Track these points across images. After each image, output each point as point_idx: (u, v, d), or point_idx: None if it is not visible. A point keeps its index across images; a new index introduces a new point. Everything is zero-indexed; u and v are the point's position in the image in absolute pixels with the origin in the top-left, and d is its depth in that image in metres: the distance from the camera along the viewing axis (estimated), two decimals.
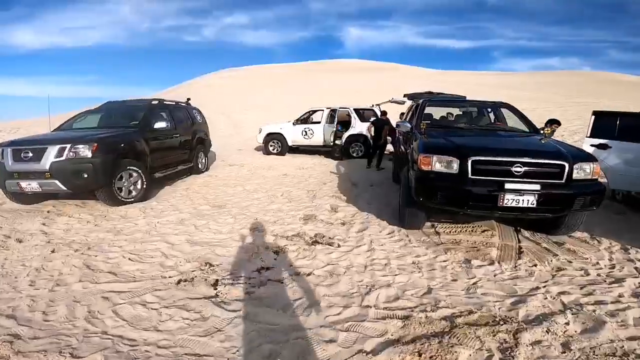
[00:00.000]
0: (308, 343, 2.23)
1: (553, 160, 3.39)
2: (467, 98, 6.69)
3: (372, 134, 8.67)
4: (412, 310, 2.59)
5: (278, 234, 4.08)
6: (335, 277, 3.10)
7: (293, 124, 10.97)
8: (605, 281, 3.06)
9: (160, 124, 6.00)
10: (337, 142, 10.25)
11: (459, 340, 2.24)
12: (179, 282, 3.04)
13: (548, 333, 2.32)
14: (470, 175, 3.36)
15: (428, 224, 4.35)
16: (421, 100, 5.30)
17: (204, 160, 8.12)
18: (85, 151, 4.74)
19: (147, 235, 4.13)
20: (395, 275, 3.15)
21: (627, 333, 2.33)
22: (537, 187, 3.28)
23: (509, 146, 3.76)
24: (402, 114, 10.33)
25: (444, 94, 7.52)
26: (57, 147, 4.74)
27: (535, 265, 3.35)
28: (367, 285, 2.96)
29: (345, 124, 10.50)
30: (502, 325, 2.40)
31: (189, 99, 8.38)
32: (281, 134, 11.01)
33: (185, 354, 2.14)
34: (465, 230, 4.25)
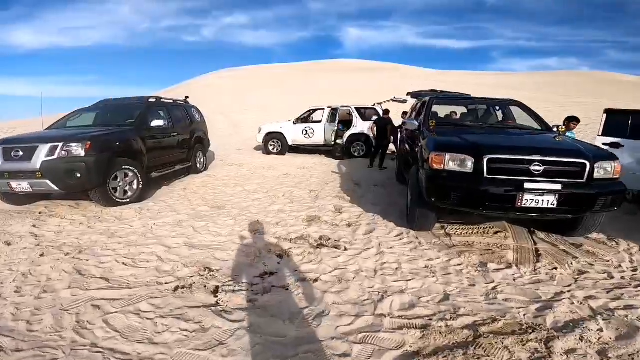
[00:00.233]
0: (319, 357, 2.02)
1: (574, 158, 3.20)
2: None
3: (375, 134, 8.48)
4: (430, 319, 2.40)
5: (281, 236, 3.88)
6: (345, 283, 2.89)
7: (293, 123, 10.77)
8: (630, 284, 2.89)
9: (157, 123, 5.79)
10: (339, 141, 10.06)
11: (485, 351, 2.05)
12: (176, 288, 2.83)
13: (582, 341, 2.15)
14: (485, 175, 3.17)
15: (437, 225, 4.16)
16: (428, 98, 5.11)
17: (202, 160, 7.90)
18: (77, 150, 4.52)
19: (142, 238, 3.91)
20: (408, 280, 2.95)
21: None
22: (558, 186, 3.09)
23: (526, 144, 3.57)
24: (404, 112, 10.17)
25: (448, 92, 7.34)
26: (49, 145, 4.52)
27: (556, 268, 3.17)
28: (379, 292, 2.76)
29: (347, 123, 10.31)
30: (530, 333, 2.22)
31: (187, 97, 8.17)
32: (281, 134, 10.80)
33: None
34: (477, 232, 4.06)
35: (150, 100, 6.45)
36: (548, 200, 3.10)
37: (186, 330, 2.29)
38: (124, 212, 4.81)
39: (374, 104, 10.28)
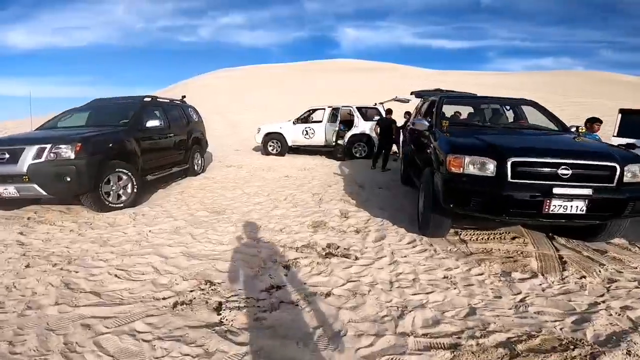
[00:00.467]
0: None
1: (604, 161, 2.99)
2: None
3: (378, 134, 8.25)
4: (458, 337, 2.17)
5: (286, 244, 3.62)
6: (360, 297, 2.65)
7: (293, 123, 10.52)
8: None
9: (152, 123, 5.51)
10: (340, 142, 9.82)
11: None
12: (175, 305, 2.57)
13: (630, 355, 1.97)
14: (509, 179, 2.94)
15: (450, 230, 3.93)
16: (438, 97, 4.88)
17: (200, 162, 7.63)
18: (67, 152, 4.24)
19: (137, 247, 3.64)
20: (428, 293, 2.72)
21: None
22: (588, 191, 2.88)
23: (551, 146, 3.36)
24: (407, 112, 9.95)
25: (454, 91, 7.13)
26: (36, 147, 4.23)
27: (584, 277, 2.96)
28: (397, 307, 2.52)
29: (348, 123, 10.08)
30: (573, 349, 2.03)
31: (183, 97, 7.90)
32: (281, 134, 10.55)
33: None
34: (494, 238, 3.84)
35: (146, 99, 6.18)
36: (577, 206, 2.89)
37: (188, 355, 2.03)
38: (117, 217, 4.54)
39: (375, 104, 10.06)
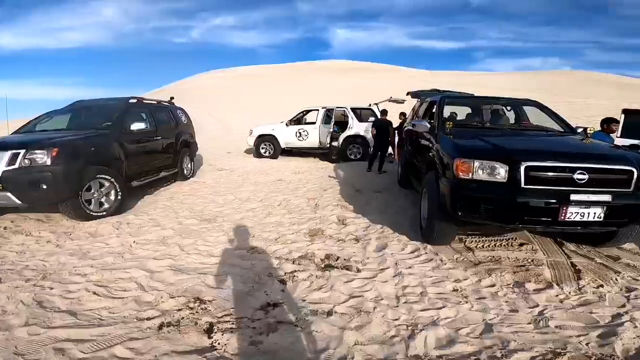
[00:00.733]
0: None
1: (620, 165, 2.81)
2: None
3: (373, 135, 8.04)
4: (477, 358, 1.97)
5: (282, 255, 3.37)
6: (365, 315, 2.41)
7: (286, 124, 10.27)
8: None
9: (137, 125, 5.21)
10: (334, 143, 9.60)
11: None
12: (161, 326, 2.31)
13: None
14: (523, 185, 2.75)
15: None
16: (439, 97, 4.69)
17: (189, 165, 7.33)
18: (43, 157, 3.92)
19: (119, 260, 3.36)
20: (439, 308, 2.50)
21: None
22: (607, 197, 2.70)
23: (565, 149, 3.18)
24: (402, 113, 9.78)
25: (451, 91, 6.96)
26: (9, 153, 3.91)
27: (602, 286, 2.79)
28: (407, 326, 2.30)
29: (342, 124, 9.87)
30: None
31: (172, 98, 7.59)
32: (273, 136, 10.29)
33: None
34: (500, 245, 3.64)
35: (131, 101, 5.86)
36: (595, 213, 2.71)
37: None
38: (99, 227, 4.23)
39: (370, 104, 9.86)
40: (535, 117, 5.00)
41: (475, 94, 6.95)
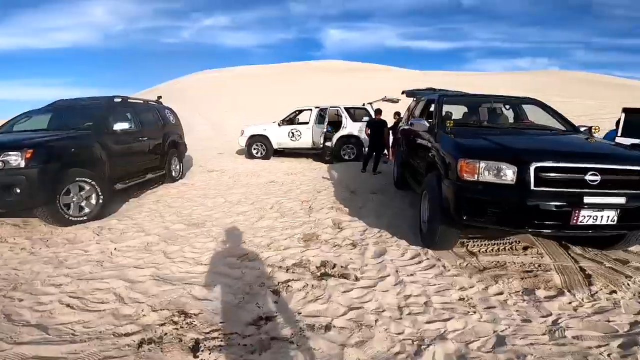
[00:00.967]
0: None
1: (633, 166, 2.65)
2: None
3: (368, 135, 7.86)
4: None
5: (274, 263, 3.15)
6: (366, 329, 2.21)
7: (278, 124, 10.04)
8: None
9: (121, 125, 4.94)
10: (327, 144, 9.40)
11: None
12: (141, 344, 2.08)
13: None
14: (533, 187, 2.57)
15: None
16: (437, 95, 4.52)
17: (178, 167, 7.05)
18: (17, 160, 3.64)
19: (98, 268, 3.11)
20: (445, 319, 2.31)
21: None
22: (622, 199, 2.54)
23: (575, 149, 3.03)
24: (396, 112, 9.63)
25: (447, 90, 6.82)
26: None
27: (614, 291, 2.65)
28: (412, 340, 2.10)
29: (336, 124, 9.68)
30: None
31: (159, 97, 7.32)
32: (265, 136, 10.04)
33: None
34: (504, 248, 3.48)
35: (115, 100, 5.58)
36: (608, 216, 2.55)
37: None
38: (79, 232, 3.96)
39: (364, 104, 9.69)
40: (533, 116, 4.87)
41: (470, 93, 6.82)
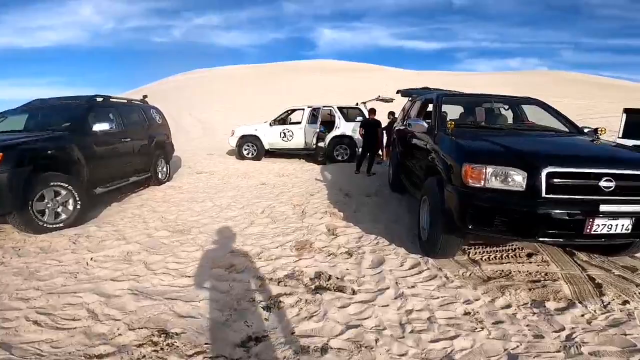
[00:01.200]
0: None
1: None
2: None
3: (362, 135, 7.67)
4: None
5: (265, 275, 2.92)
6: (366, 351, 2.00)
7: (270, 124, 9.78)
8: None
9: (101, 126, 4.65)
10: (320, 144, 9.18)
11: None
12: None
13: None
14: (544, 194, 2.40)
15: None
16: (435, 95, 4.34)
17: (165, 169, 6.76)
18: None
19: (72, 281, 2.85)
20: (451, 337, 2.12)
21: None
22: (638, 207, 2.39)
23: (589, 153, 2.86)
24: (391, 112, 9.47)
25: (442, 89, 6.66)
26: None
27: (627, 302, 2.50)
28: None
29: (329, 124, 9.47)
30: None
31: (145, 97, 7.01)
32: (257, 137, 9.77)
33: None
34: (507, 256, 3.31)
35: (96, 99, 5.27)
36: (623, 225, 2.39)
37: None
38: (54, 241, 3.68)
39: (357, 104, 9.50)
40: (532, 116, 4.73)
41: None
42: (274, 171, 8.13)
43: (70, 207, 4.05)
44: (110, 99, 5.61)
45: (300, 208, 4.93)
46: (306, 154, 9.73)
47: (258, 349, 2.03)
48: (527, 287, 2.70)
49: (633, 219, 2.39)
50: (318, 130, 9.18)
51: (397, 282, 2.77)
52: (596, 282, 2.78)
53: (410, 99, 6.31)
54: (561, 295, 2.58)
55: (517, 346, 2.05)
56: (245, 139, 9.88)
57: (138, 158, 5.74)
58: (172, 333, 2.18)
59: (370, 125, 7.51)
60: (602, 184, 2.39)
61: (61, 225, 3.96)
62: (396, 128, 6.23)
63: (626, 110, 4.73)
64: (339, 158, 9.26)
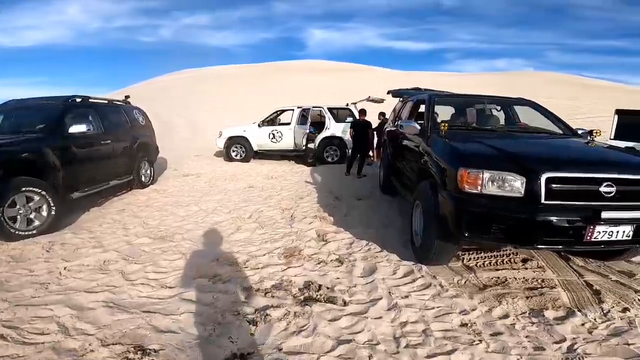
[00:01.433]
0: None
1: None
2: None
3: (352, 136, 7.55)
4: None
5: (252, 285, 2.76)
6: None
7: (259, 125, 9.59)
8: None
9: (78, 128, 4.42)
10: (310, 145, 9.03)
11: None
12: None
13: None
14: (543, 200, 2.30)
15: None
16: (427, 96, 4.24)
17: (148, 171, 6.52)
18: None
19: (42, 292, 2.65)
20: (449, 352, 2.00)
21: None
22: (639, 214, 2.32)
23: (588, 157, 2.79)
24: (381, 113, 9.39)
25: (433, 89, 6.60)
26: None
27: (627, 309, 2.42)
28: None
29: (319, 125, 9.33)
30: None
31: (127, 97, 6.75)
32: (245, 138, 9.56)
33: None
34: (502, 262, 3.22)
35: (74, 100, 5.02)
36: (624, 231, 2.31)
37: None
38: (26, 249, 3.46)
39: (347, 104, 9.39)
40: (524, 117, 4.68)
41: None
42: (262, 173, 7.95)
43: (44, 213, 3.81)
44: (90, 100, 5.36)
45: (289, 212, 4.78)
46: (295, 155, 9.57)
47: None
48: (525, 295, 2.61)
49: (634, 225, 2.31)
50: (308, 131, 9.03)
51: (390, 292, 2.64)
52: (594, 288, 2.71)
53: (401, 99, 6.22)
54: (560, 303, 2.49)
55: (518, 359, 1.95)
56: (233, 140, 9.67)
57: (119, 160, 5.51)
58: (149, 350, 2.02)
59: (360, 126, 7.41)
60: (603, 189, 2.30)
61: (34, 232, 3.73)
62: (387, 129, 6.14)
63: (618, 112, 4.71)
64: (329, 159, 9.14)
